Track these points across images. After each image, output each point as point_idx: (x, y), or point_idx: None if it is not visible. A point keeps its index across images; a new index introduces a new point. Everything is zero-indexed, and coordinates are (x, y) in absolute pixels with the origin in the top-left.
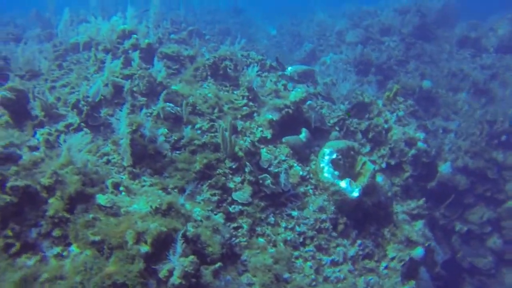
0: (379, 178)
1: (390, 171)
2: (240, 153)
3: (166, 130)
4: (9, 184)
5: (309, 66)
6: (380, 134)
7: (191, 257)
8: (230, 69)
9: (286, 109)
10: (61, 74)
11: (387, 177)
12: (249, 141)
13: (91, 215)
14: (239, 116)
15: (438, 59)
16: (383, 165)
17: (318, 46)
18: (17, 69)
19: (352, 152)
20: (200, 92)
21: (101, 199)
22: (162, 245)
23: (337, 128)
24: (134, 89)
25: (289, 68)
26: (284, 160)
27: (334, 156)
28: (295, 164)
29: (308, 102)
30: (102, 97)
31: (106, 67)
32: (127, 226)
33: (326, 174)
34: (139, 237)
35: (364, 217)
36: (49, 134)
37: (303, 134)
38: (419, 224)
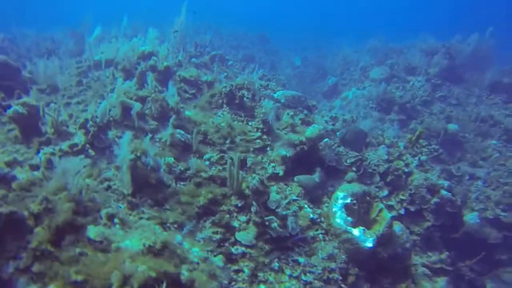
0: (397, 227)
1: (409, 218)
2: (247, 191)
3: (172, 159)
4: None
5: (326, 97)
6: (400, 178)
7: None
8: (247, 98)
9: (301, 146)
10: (79, 91)
11: (406, 225)
12: (258, 179)
13: (77, 250)
14: (251, 149)
15: (466, 102)
16: (402, 211)
17: (341, 80)
18: (40, 83)
19: (367, 198)
20: (213, 121)
21: (92, 231)
22: None
23: (354, 169)
24: (146, 111)
25: (278, 92)
26: (294, 200)
27: (348, 200)
28: (306, 206)
29: (325, 140)
30: (111, 118)
31: (117, 88)
32: (113, 266)
33: (338, 220)
34: (125, 281)
35: (378, 269)
36: (52, 153)
37: (317, 174)
38: (442, 281)
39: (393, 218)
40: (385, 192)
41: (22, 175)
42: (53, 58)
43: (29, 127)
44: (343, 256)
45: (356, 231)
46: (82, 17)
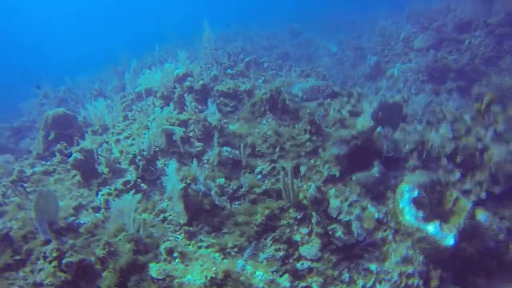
0: (482, 216)
1: (494, 202)
2: (305, 202)
3: (223, 179)
4: (64, 261)
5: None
6: (473, 157)
7: None
8: (289, 101)
9: (354, 141)
10: (125, 126)
11: (492, 211)
12: (314, 187)
13: None
14: (303, 153)
15: None
16: (483, 195)
17: (383, 57)
18: (93, 124)
19: (438, 187)
20: (258, 130)
21: (154, 270)
22: None
23: (415, 155)
24: (190, 134)
25: (295, 87)
26: (356, 201)
27: (416, 193)
28: (369, 205)
29: (379, 129)
30: (157, 149)
31: (156, 118)
32: None
33: (407, 217)
34: None
35: (467, 268)
36: (109, 194)
37: (376, 169)
38: None
39: (474, 204)
40: (457, 175)
41: (86, 218)
42: (100, 99)
43: (88, 170)
44: (421, 257)
45: (431, 228)
46: (119, 54)
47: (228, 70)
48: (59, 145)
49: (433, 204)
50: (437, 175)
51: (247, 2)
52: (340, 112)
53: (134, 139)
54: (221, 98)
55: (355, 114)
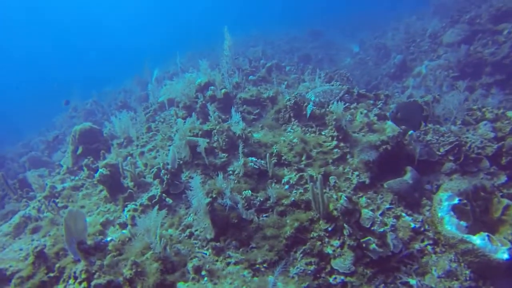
0: None
1: None
2: (335, 213)
3: (249, 191)
4: (93, 283)
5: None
6: None
7: None
8: (314, 106)
9: (384, 146)
10: (149, 137)
11: None
12: (345, 198)
13: None
14: (330, 160)
15: None
16: None
17: (408, 55)
18: (118, 136)
19: (482, 193)
20: (284, 138)
21: None
22: None
23: (451, 158)
24: (214, 145)
25: (309, 93)
26: (389, 209)
27: (456, 201)
28: (404, 214)
29: (410, 132)
30: (181, 162)
31: (179, 129)
32: None
33: (448, 227)
34: None
35: None
36: (135, 210)
37: (408, 175)
38: None
39: None
40: (503, 179)
41: (114, 235)
42: (124, 111)
43: (114, 185)
44: (467, 272)
45: (477, 239)
46: (142, 63)
47: (250, 77)
48: (86, 160)
49: (477, 212)
50: (479, 179)
51: (266, 5)
52: (367, 116)
53: (158, 151)
54: (244, 106)
55: (383, 117)
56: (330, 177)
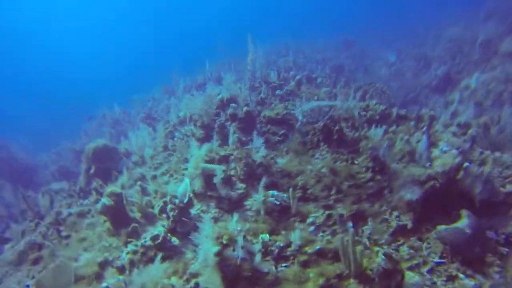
0: None
1: None
2: (370, 273)
3: (267, 236)
4: None
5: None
6: None
7: None
8: (346, 130)
9: (432, 182)
10: (164, 158)
11: None
12: (383, 256)
13: None
14: (364, 196)
15: None
16: None
17: (453, 66)
18: (134, 153)
19: None
20: (311, 168)
21: None
22: None
23: None
24: (232, 173)
25: (297, 110)
26: (439, 265)
27: None
28: (461, 275)
29: (466, 164)
30: (192, 195)
31: (193, 156)
32: None
33: None
34: None
35: None
36: (134, 252)
37: (465, 221)
38: None
39: None
40: None
41: (110, 280)
42: (143, 126)
43: (119, 216)
44: None
45: None
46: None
47: (278, 91)
48: (94, 183)
49: None
50: None
51: (299, 14)
52: (408, 143)
53: (171, 175)
54: (269, 126)
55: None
56: (365, 227)
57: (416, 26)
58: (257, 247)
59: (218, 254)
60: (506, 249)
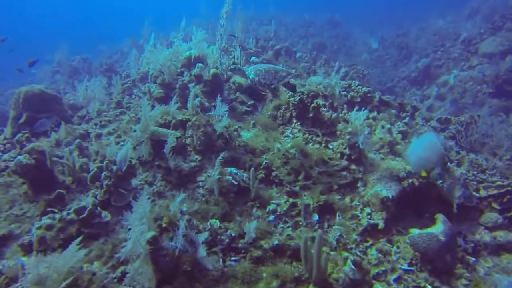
0: None
1: None
2: (334, 283)
3: (217, 222)
4: None
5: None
6: None
7: None
8: (323, 109)
9: (410, 180)
10: (114, 116)
11: None
12: (351, 265)
13: None
14: (335, 186)
15: None
16: None
17: (434, 60)
18: (80, 108)
19: None
20: (279, 146)
21: None
22: None
23: (496, 207)
24: (187, 141)
25: (249, 68)
26: (407, 272)
27: None
28: (428, 286)
29: (449, 164)
30: (137, 162)
31: (143, 116)
32: None
33: None
34: None
35: None
36: (49, 227)
37: (440, 227)
38: None
39: None
40: None
41: (7, 261)
42: (97, 78)
43: (41, 179)
44: None
45: None
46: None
47: (253, 58)
48: (20, 135)
49: None
50: None
51: None
52: (390, 132)
53: (119, 136)
54: (238, 93)
55: (407, 135)
56: (334, 227)
57: (403, 15)
58: (203, 237)
59: (152, 241)
60: (474, 259)
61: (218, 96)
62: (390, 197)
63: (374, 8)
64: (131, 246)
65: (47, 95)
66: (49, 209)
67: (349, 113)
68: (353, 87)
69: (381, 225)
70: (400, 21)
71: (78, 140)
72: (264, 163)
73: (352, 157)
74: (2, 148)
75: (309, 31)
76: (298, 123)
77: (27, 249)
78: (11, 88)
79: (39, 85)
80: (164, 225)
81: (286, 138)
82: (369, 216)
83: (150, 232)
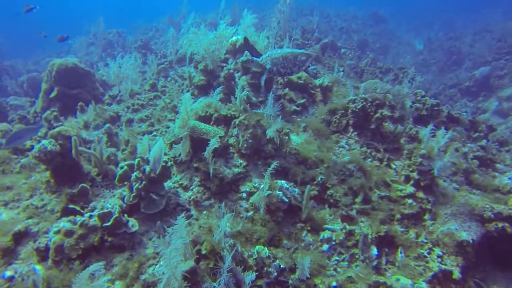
0: None
1: None
2: None
3: (266, 250)
4: None
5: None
6: None
7: None
8: (388, 122)
9: (500, 224)
10: (148, 99)
11: None
12: None
13: None
14: (398, 215)
15: None
16: None
17: (496, 70)
18: (112, 86)
19: None
20: (335, 158)
21: None
22: None
23: None
24: (231, 141)
25: (263, 55)
26: None
27: None
28: None
29: None
30: (171, 163)
31: (182, 110)
32: None
33: None
34: None
35: None
36: (68, 233)
37: None
38: None
39: None
40: None
41: (21, 267)
42: (131, 55)
43: (66, 168)
44: None
45: None
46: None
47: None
48: (48, 112)
49: None
50: None
51: None
52: (465, 158)
53: (152, 124)
54: (287, 89)
55: (486, 163)
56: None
57: (456, 15)
58: (250, 277)
59: (190, 272)
60: None
61: (271, 93)
62: (471, 240)
63: (424, 4)
64: (166, 276)
65: (80, 70)
66: (70, 206)
67: (418, 129)
68: (418, 98)
69: (456, 274)
70: (452, 21)
71: (108, 125)
72: (319, 178)
73: (422, 184)
74: (32, 122)
75: (351, 26)
76: (355, 133)
77: (43, 254)
78: (48, 56)
79: (73, 58)
80: (204, 252)
81: (341, 149)
82: (440, 260)
83: (189, 262)
